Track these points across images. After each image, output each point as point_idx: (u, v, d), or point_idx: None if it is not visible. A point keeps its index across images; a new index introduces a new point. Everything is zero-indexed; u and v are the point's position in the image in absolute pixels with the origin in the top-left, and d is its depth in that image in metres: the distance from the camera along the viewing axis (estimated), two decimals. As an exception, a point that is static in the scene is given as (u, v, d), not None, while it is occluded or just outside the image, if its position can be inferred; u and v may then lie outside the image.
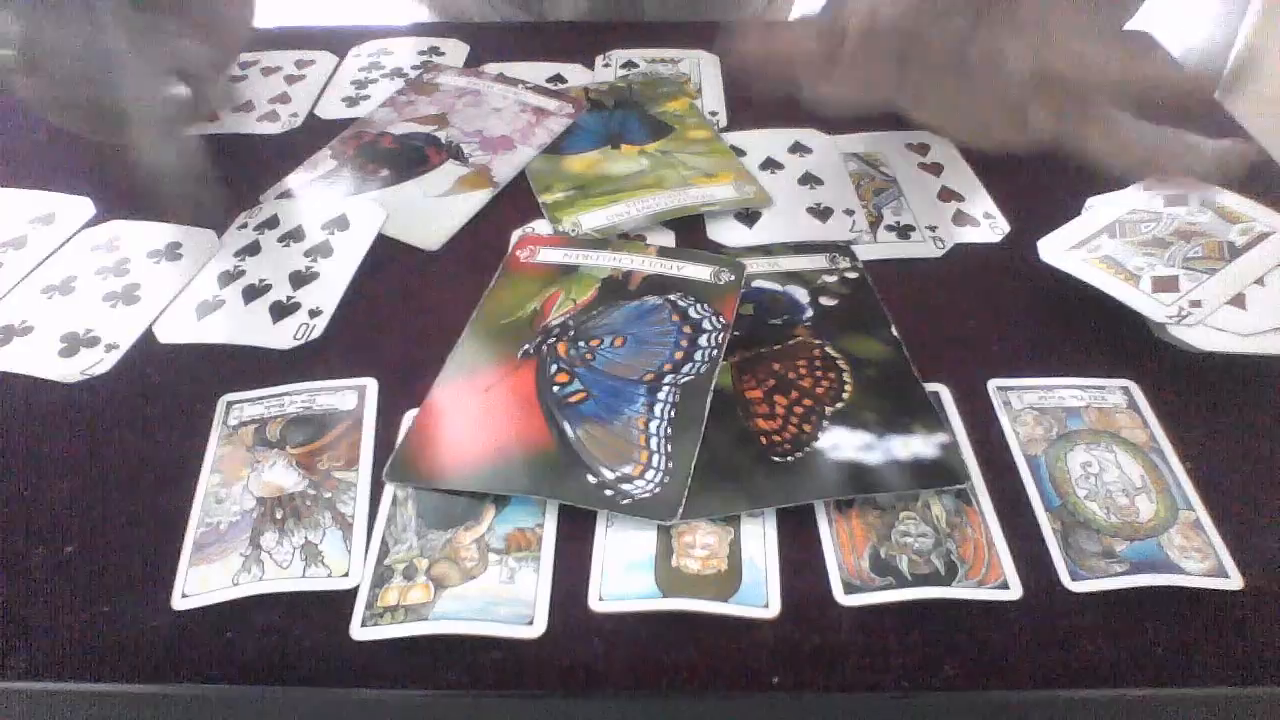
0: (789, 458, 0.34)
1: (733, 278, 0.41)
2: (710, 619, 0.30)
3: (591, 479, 0.33)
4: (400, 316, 0.41)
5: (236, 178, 0.49)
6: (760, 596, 0.30)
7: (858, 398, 0.36)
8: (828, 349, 0.38)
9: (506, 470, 0.33)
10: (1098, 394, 0.37)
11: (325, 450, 0.35)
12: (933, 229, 0.46)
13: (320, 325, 0.39)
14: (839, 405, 0.36)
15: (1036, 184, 0.49)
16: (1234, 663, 0.29)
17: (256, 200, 0.47)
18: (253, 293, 0.41)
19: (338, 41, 0.62)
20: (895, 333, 0.39)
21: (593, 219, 0.46)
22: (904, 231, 0.46)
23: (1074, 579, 0.31)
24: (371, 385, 0.37)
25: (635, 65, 0.60)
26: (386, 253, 0.44)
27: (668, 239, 0.45)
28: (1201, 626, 0.30)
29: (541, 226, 0.46)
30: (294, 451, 0.35)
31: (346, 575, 0.31)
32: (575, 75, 0.59)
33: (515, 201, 0.48)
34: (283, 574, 0.31)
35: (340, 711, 0.30)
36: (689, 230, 0.46)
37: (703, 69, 0.59)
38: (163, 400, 0.37)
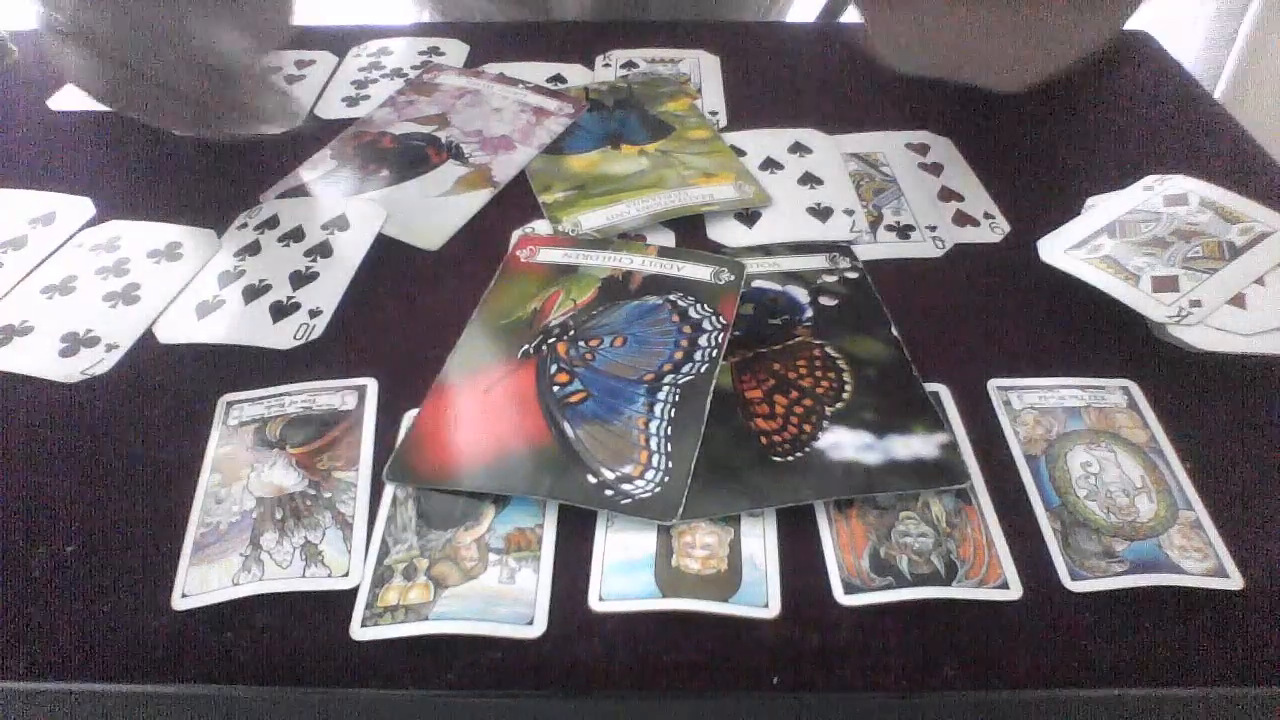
0: (789, 458, 0.34)
1: (733, 278, 0.41)
2: (710, 619, 0.30)
3: (591, 479, 0.33)
4: (400, 316, 0.41)
5: (236, 178, 0.49)
6: (760, 596, 0.30)
7: (858, 398, 0.36)
8: (828, 349, 0.38)
9: (506, 470, 0.33)
10: (1098, 394, 0.37)
11: (325, 450, 0.35)
12: (933, 229, 0.46)
13: (320, 325, 0.39)
14: (839, 405, 0.36)
15: (1036, 184, 0.49)
16: (1234, 663, 0.29)
17: (256, 200, 0.47)
18: (253, 293, 0.41)
19: (338, 41, 0.62)
20: (895, 333, 0.39)
21: (593, 219, 0.46)
22: (904, 231, 0.46)
23: (1074, 579, 0.31)
24: (371, 385, 0.37)
25: (635, 65, 0.60)
26: (386, 253, 0.44)
27: (668, 239, 0.45)
28: (1201, 626, 0.30)
29: (541, 226, 0.46)
30: (294, 451, 0.35)
31: (346, 575, 0.31)
32: (575, 75, 0.59)
33: (515, 201, 0.48)
34: (283, 574, 0.31)
35: (340, 711, 0.30)
36: (689, 230, 0.46)
37: (703, 69, 0.59)
38: (163, 400, 0.37)
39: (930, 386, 0.37)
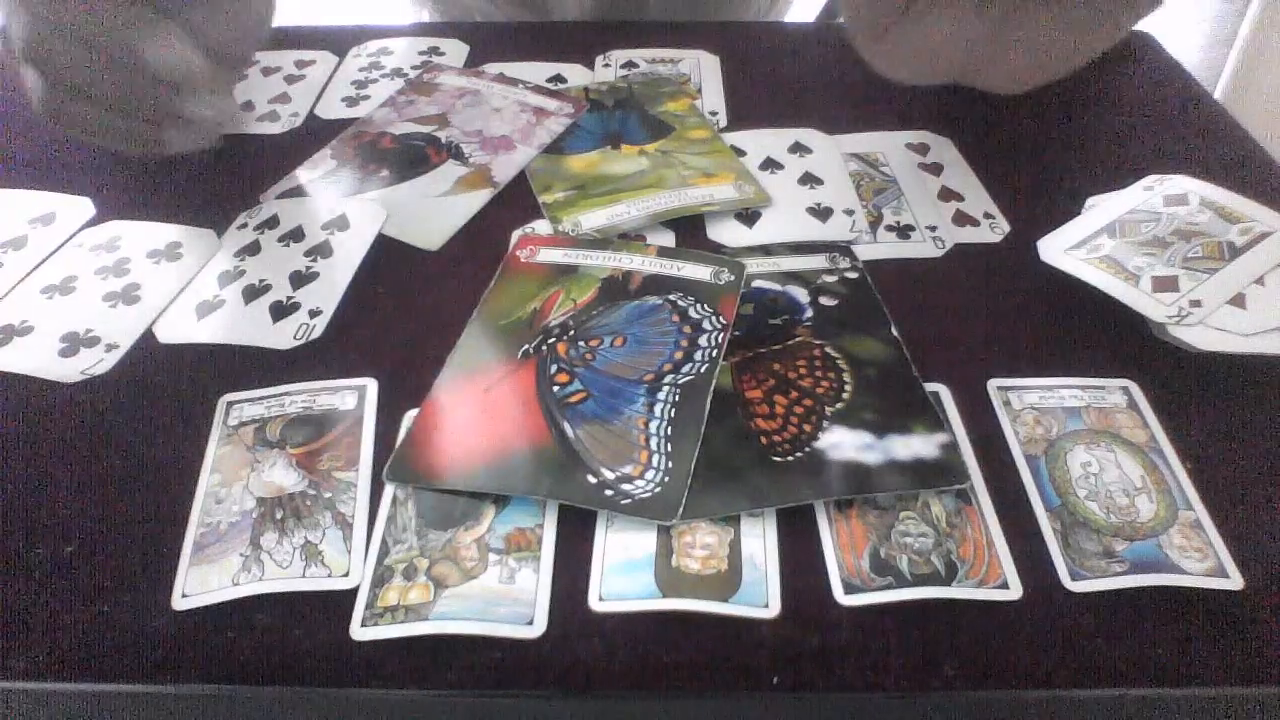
0: (789, 458, 0.34)
1: (733, 278, 0.41)
2: (710, 619, 0.30)
3: (591, 479, 0.33)
4: (400, 316, 0.41)
5: (236, 178, 0.49)
6: (760, 596, 0.30)
7: (858, 398, 0.36)
8: (828, 349, 0.38)
9: (506, 470, 0.33)
10: (1098, 394, 0.37)
11: (325, 450, 0.35)
12: (933, 229, 0.46)
13: (320, 325, 0.39)
14: (839, 405, 0.36)
15: (1036, 184, 0.49)
16: (1234, 663, 0.29)
17: (256, 200, 0.47)
18: (253, 293, 0.41)
19: (338, 41, 0.62)
20: (895, 333, 0.39)
21: (593, 219, 0.46)
22: (904, 231, 0.46)
23: (1074, 579, 0.31)
24: (371, 385, 0.37)
25: (635, 65, 0.60)
26: (386, 253, 0.44)
27: (668, 239, 0.45)
28: (1201, 626, 0.30)
29: (541, 226, 0.46)
30: (294, 451, 0.35)
31: (346, 575, 0.31)
32: (575, 75, 0.59)
33: (515, 201, 0.48)
34: (283, 574, 0.31)
35: (340, 711, 0.30)
36: (689, 230, 0.46)
37: (703, 69, 0.59)
38: (163, 400, 0.37)
39: (930, 386, 0.37)
